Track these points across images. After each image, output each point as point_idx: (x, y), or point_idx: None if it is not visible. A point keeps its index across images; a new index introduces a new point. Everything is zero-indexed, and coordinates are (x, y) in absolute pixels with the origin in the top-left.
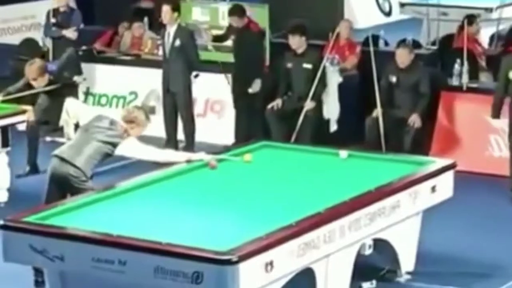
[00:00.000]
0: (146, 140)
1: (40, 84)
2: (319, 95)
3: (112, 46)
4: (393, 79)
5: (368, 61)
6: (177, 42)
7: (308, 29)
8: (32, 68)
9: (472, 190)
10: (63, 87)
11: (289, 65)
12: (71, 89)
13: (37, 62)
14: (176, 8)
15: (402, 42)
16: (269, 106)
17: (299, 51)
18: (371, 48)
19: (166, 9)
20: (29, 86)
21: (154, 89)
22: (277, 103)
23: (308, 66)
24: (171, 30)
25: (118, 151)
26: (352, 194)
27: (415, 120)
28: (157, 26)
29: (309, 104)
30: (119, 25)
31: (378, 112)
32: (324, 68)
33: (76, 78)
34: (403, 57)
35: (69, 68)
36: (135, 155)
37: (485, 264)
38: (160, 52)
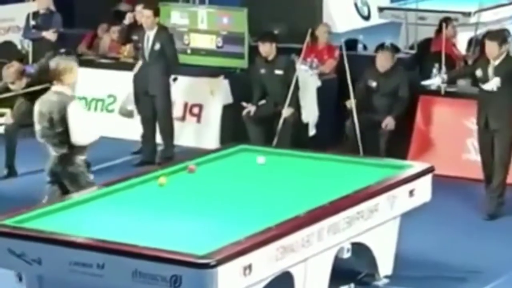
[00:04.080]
0: (124, 143)
1: (18, 87)
2: (296, 100)
3: (92, 49)
4: (373, 84)
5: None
6: (157, 46)
7: (277, 36)
8: (9, 71)
9: (450, 194)
10: (42, 90)
11: (262, 71)
12: None
13: (15, 65)
14: (156, 12)
15: (381, 46)
16: (244, 112)
17: (270, 58)
18: (344, 53)
19: (148, 14)
20: (7, 89)
21: (133, 92)
22: (250, 109)
23: (279, 72)
24: (150, 33)
25: (70, 119)
26: (330, 197)
27: (388, 122)
28: (136, 29)
29: (287, 112)
30: (99, 27)
31: (351, 103)
32: (295, 71)
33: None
34: (384, 61)
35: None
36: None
37: (463, 268)
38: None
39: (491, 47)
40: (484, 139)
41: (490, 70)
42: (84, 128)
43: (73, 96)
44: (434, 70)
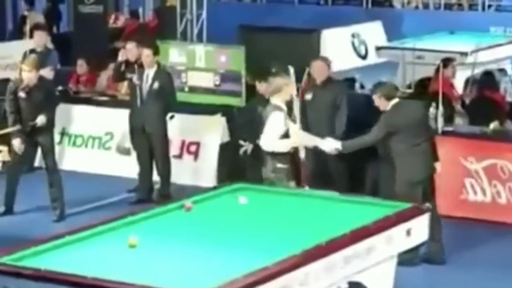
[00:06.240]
0: (121, 181)
1: (31, 78)
2: None
3: (89, 86)
4: (309, 96)
5: None
6: (156, 85)
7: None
8: (30, 59)
9: (447, 234)
10: (38, 128)
11: (260, 109)
12: (46, 129)
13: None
14: (156, 51)
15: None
16: (241, 150)
17: (267, 96)
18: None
19: (147, 53)
20: (20, 80)
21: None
22: (247, 148)
23: None
24: (150, 72)
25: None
26: (327, 237)
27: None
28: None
29: None
30: (77, 61)
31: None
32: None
33: (38, 120)
34: (318, 70)
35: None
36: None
37: None
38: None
39: (374, 100)
40: None
41: None
42: (273, 137)
43: (282, 109)
44: (431, 110)
